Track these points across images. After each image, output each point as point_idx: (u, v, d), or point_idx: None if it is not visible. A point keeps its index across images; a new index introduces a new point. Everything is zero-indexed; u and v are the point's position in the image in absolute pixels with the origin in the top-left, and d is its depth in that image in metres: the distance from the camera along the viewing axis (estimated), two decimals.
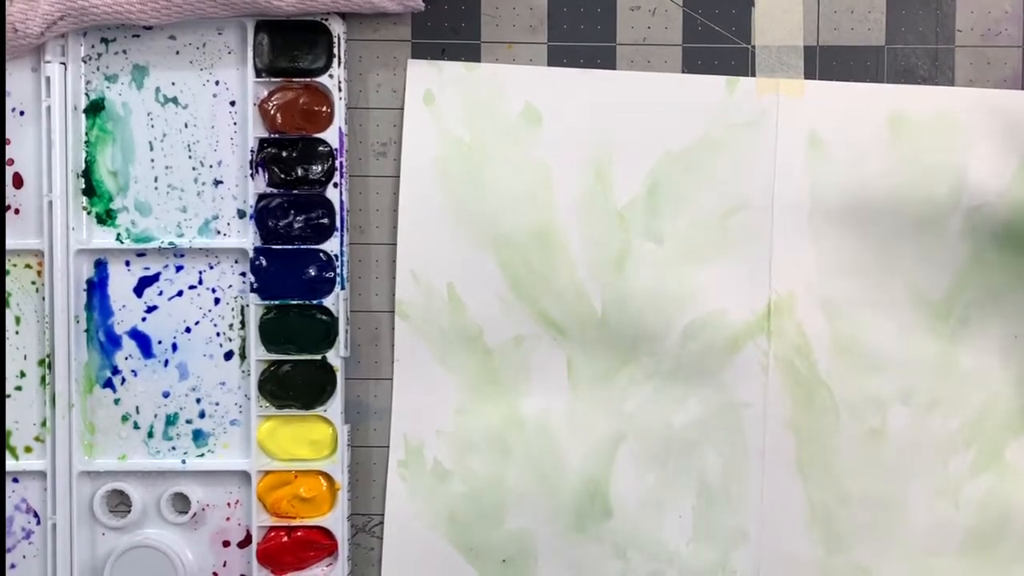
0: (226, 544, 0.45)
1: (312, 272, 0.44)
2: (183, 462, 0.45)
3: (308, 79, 0.44)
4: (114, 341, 0.45)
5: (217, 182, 0.45)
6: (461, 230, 0.45)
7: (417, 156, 0.45)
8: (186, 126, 0.44)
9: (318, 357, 0.44)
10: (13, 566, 0.45)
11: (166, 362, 0.45)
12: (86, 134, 0.44)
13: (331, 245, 0.44)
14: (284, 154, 0.44)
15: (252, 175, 0.44)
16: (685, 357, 0.45)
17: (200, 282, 0.45)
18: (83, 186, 0.44)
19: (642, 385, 0.45)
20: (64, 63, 0.44)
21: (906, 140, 0.44)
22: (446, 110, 0.44)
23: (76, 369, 0.44)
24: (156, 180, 0.45)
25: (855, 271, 0.44)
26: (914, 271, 0.44)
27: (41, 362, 0.45)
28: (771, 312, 0.44)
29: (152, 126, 0.44)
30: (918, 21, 0.45)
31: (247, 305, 0.45)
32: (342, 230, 0.44)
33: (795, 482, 0.45)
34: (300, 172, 0.44)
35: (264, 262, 0.44)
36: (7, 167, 0.44)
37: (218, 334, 0.45)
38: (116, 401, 0.45)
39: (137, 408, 0.45)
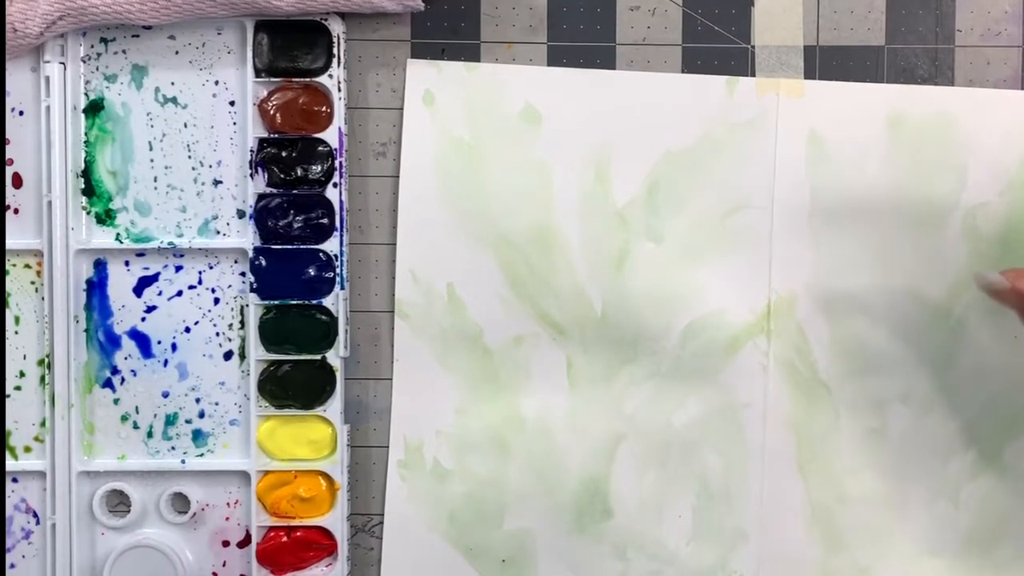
0: (226, 544, 0.45)
1: (312, 272, 0.44)
2: (183, 462, 0.45)
3: (308, 79, 0.44)
4: (113, 341, 0.45)
5: (217, 182, 0.45)
6: (461, 230, 0.44)
7: (417, 156, 0.45)
8: (185, 126, 0.44)
9: (318, 357, 0.44)
10: (13, 566, 0.45)
11: (165, 362, 0.45)
12: (85, 134, 0.44)
13: (331, 245, 0.44)
14: (284, 154, 0.44)
15: (252, 175, 0.44)
16: (685, 357, 0.45)
17: (200, 282, 0.45)
18: (82, 186, 0.44)
19: (642, 385, 0.45)
20: (63, 63, 0.44)
21: (906, 140, 0.44)
22: (446, 110, 0.44)
23: (75, 369, 0.44)
24: (155, 180, 0.45)
25: (855, 271, 0.44)
26: (914, 271, 0.44)
27: (40, 362, 0.45)
28: (771, 312, 0.44)
29: (151, 126, 0.44)
30: (918, 21, 0.44)
31: (247, 305, 0.44)
32: (342, 230, 0.44)
33: (795, 482, 0.45)
34: (300, 172, 0.44)
35: (264, 262, 0.44)
36: (7, 167, 0.44)
37: (218, 334, 0.45)
38: (115, 401, 0.45)
39: (136, 408, 0.45)
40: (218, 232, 0.45)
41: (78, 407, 0.45)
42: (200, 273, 0.45)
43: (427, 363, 0.45)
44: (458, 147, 0.44)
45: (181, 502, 0.45)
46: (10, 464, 0.45)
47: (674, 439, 0.45)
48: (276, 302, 0.44)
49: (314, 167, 0.44)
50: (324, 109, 0.44)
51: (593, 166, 0.44)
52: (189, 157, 0.44)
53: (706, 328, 0.44)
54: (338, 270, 0.44)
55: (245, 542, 0.45)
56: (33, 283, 0.45)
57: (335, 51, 0.44)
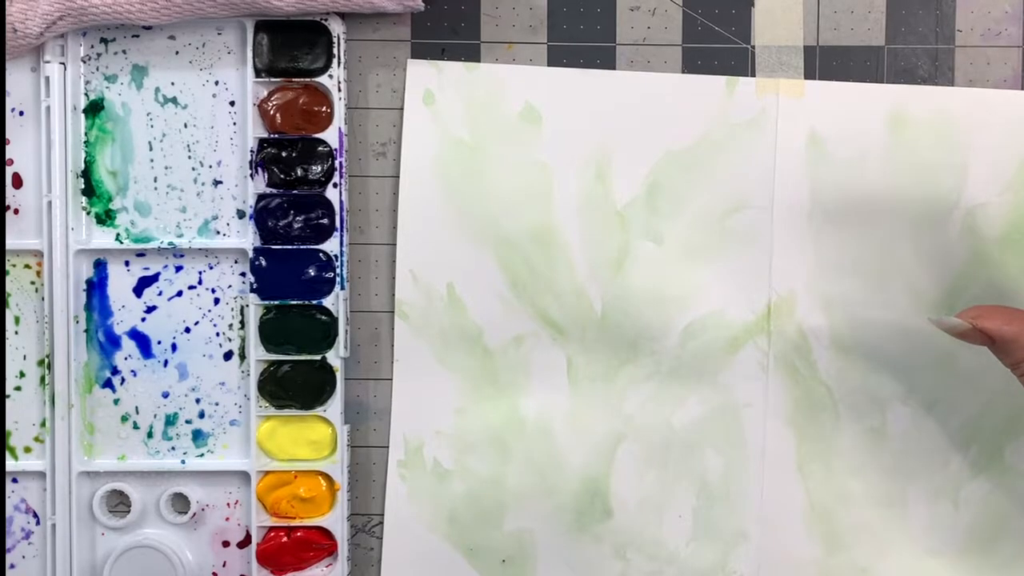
0: (226, 544, 0.45)
1: (312, 272, 0.44)
2: (183, 462, 0.45)
3: (308, 79, 0.44)
4: (114, 341, 0.45)
5: (217, 182, 0.45)
6: (461, 230, 0.44)
7: (417, 156, 0.45)
8: (185, 126, 0.44)
9: (318, 357, 0.44)
10: (13, 566, 0.45)
11: (166, 362, 0.45)
12: (85, 134, 0.44)
13: (331, 245, 0.44)
14: (284, 154, 0.44)
15: (252, 175, 0.44)
16: (685, 357, 0.45)
17: (200, 282, 0.45)
18: (82, 186, 0.44)
19: (642, 385, 0.45)
20: (63, 63, 0.44)
21: (906, 140, 0.44)
22: (446, 110, 0.44)
23: (76, 369, 0.44)
24: (156, 180, 0.45)
25: (855, 271, 0.44)
26: (914, 271, 0.44)
27: (41, 362, 0.45)
28: (771, 312, 0.44)
29: (152, 126, 0.44)
30: (918, 21, 0.45)
31: (247, 305, 0.44)
32: (342, 230, 0.44)
33: (795, 482, 0.45)
34: (300, 172, 0.44)
35: (264, 262, 0.44)
36: (7, 167, 0.44)
37: (218, 334, 0.45)
38: (115, 401, 0.45)
39: (137, 408, 0.45)
40: (218, 232, 0.45)
41: (78, 407, 0.45)
42: (200, 273, 0.45)
43: (427, 363, 0.45)
44: (458, 147, 0.44)
45: (181, 502, 0.45)
46: (10, 464, 0.45)
47: (674, 439, 0.45)
48: (276, 302, 0.44)
49: (314, 167, 0.44)
50: (324, 109, 0.44)
51: (593, 166, 0.44)
52: (189, 157, 0.44)
53: (706, 328, 0.44)
54: (338, 270, 0.44)
55: (245, 542, 0.45)
56: (33, 283, 0.45)
57: (335, 51, 0.44)
